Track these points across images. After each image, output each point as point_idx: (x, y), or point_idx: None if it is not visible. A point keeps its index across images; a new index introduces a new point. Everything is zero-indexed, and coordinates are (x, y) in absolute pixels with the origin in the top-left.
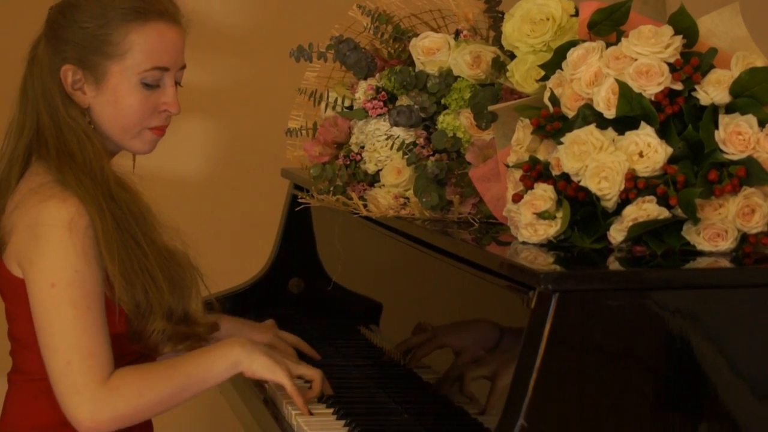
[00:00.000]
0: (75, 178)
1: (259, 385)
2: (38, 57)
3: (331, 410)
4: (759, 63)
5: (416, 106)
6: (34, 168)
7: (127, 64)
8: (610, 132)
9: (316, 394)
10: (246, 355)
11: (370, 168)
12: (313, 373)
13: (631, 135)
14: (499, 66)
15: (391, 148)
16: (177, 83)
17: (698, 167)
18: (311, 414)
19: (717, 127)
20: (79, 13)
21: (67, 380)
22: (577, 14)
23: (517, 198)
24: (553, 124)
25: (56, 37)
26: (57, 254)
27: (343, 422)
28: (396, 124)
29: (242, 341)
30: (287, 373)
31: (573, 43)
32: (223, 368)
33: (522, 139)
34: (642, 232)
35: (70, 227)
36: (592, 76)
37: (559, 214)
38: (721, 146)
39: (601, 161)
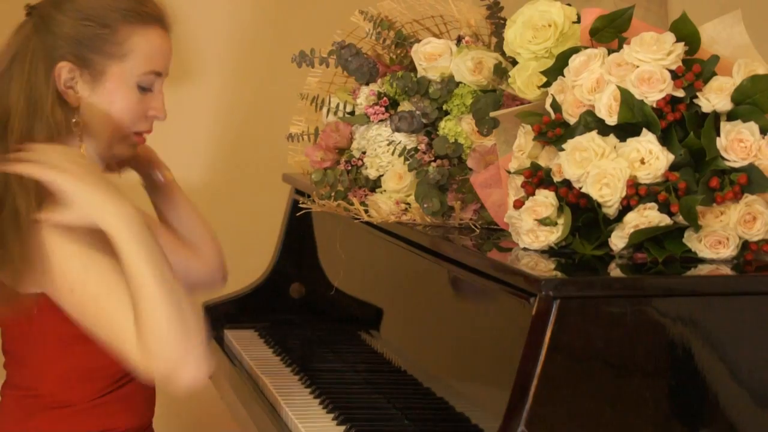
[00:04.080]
0: None
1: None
2: (26, 53)
3: (331, 416)
4: (761, 70)
5: (418, 112)
6: None
7: (127, 66)
8: (612, 139)
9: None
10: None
11: (372, 173)
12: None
13: (632, 142)
14: (500, 72)
15: (393, 154)
16: None
17: (700, 174)
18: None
19: (718, 135)
20: (78, 10)
21: (141, 357)
22: (579, 21)
23: (519, 204)
24: (554, 131)
25: (51, 32)
26: (61, 258)
27: (343, 428)
28: (398, 129)
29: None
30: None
31: (575, 50)
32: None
33: (524, 146)
34: (643, 239)
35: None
36: (593, 82)
37: (561, 221)
38: (723, 153)
39: (602, 168)
